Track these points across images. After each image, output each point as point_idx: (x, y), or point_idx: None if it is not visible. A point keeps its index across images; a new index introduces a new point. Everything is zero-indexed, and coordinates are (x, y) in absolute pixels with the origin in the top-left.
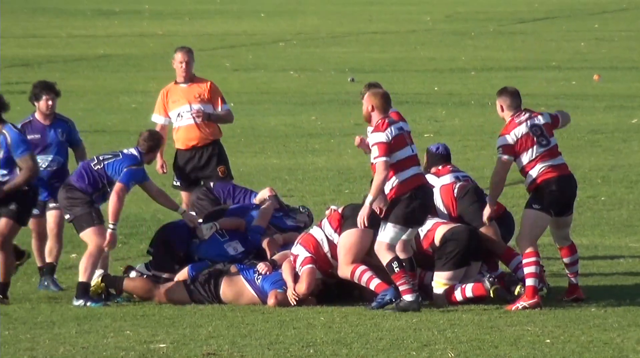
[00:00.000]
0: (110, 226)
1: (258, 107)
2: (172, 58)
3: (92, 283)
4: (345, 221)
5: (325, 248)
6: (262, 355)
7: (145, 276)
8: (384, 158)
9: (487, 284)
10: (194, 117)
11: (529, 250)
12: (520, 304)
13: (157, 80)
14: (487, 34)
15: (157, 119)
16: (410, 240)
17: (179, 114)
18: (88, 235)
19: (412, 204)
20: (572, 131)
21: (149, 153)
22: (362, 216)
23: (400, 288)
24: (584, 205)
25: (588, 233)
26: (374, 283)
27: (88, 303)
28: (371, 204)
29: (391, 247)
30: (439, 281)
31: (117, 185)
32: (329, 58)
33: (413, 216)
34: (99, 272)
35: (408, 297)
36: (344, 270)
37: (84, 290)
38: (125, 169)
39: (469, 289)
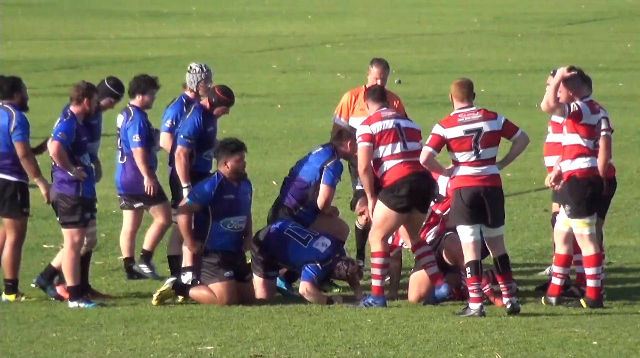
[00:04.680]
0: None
1: (306, 109)
2: (368, 68)
3: (164, 288)
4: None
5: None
6: (309, 357)
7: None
8: (429, 148)
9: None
10: None
11: None
12: None
13: None
14: (535, 36)
15: (338, 120)
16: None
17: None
18: (68, 234)
19: (459, 202)
20: (620, 132)
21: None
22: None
23: (470, 295)
24: (632, 206)
25: (636, 234)
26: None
27: (82, 305)
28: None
29: (469, 247)
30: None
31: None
32: None
33: (466, 214)
34: (170, 279)
35: (474, 305)
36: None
37: (76, 292)
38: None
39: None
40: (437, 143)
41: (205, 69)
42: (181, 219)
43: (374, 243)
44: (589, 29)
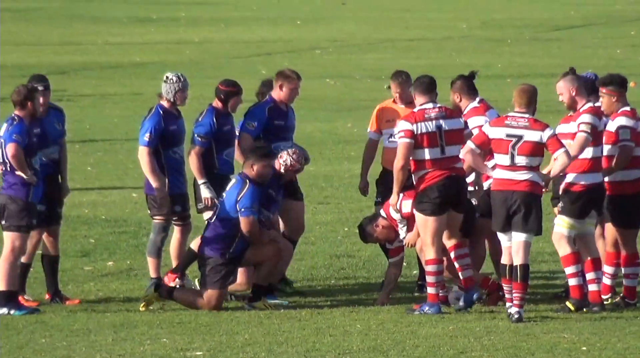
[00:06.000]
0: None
1: None
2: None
3: (147, 293)
4: None
5: None
6: None
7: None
8: (472, 145)
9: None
10: None
11: None
12: None
13: (193, 87)
14: (523, 41)
15: (371, 134)
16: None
17: (392, 134)
18: (10, 238)
19: (493, 204)
20: None
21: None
22: None
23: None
24: None
25: None
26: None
27: (12, 312)
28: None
29: (505, 251)
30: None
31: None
32: (365, 65)
33: (498, 219)
34: (151, 282)
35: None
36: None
37: (7, 298)
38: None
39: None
40: (481, 140)
41: (182, 79)
42: (258, 234)
43: (427, 252)
44: (576, 34)
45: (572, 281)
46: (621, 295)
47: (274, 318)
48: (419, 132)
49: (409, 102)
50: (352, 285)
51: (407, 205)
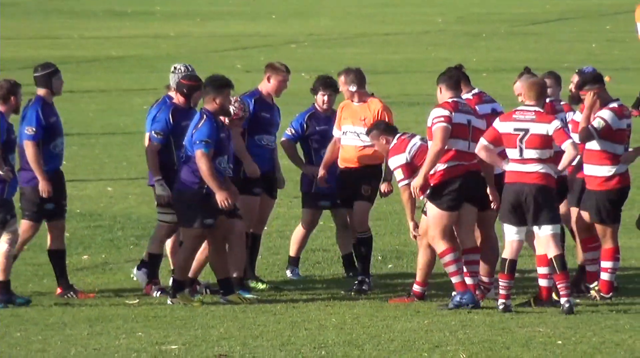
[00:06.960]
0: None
1: None
2: None
3: (182, 296)
4: None
5: None
6: (274, 357)
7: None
8: (484, 141)
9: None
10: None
11: None
12: None
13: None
14: (499, 35)
15: (334, 131)
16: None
17: (345, 132)
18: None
19: (504, 197)
20: None
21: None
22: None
23: (500, 292)
24: None
25: None
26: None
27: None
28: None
29: (508, 245)
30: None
31: None
32: (341, 59)
33: (508, 212)
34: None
35: (500, 300)
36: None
37: (3, 289)
38: None
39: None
40: (493, 136)
41: (190, 69)
42: (206, 169)
43: (437, 245)
44: (553, 28)
45: (542, 282)
46: (597, 288)
47: (249, 312)
48: (454, 121)
49: (362, 101)
50: (327, 279)
51: (395, 160)
